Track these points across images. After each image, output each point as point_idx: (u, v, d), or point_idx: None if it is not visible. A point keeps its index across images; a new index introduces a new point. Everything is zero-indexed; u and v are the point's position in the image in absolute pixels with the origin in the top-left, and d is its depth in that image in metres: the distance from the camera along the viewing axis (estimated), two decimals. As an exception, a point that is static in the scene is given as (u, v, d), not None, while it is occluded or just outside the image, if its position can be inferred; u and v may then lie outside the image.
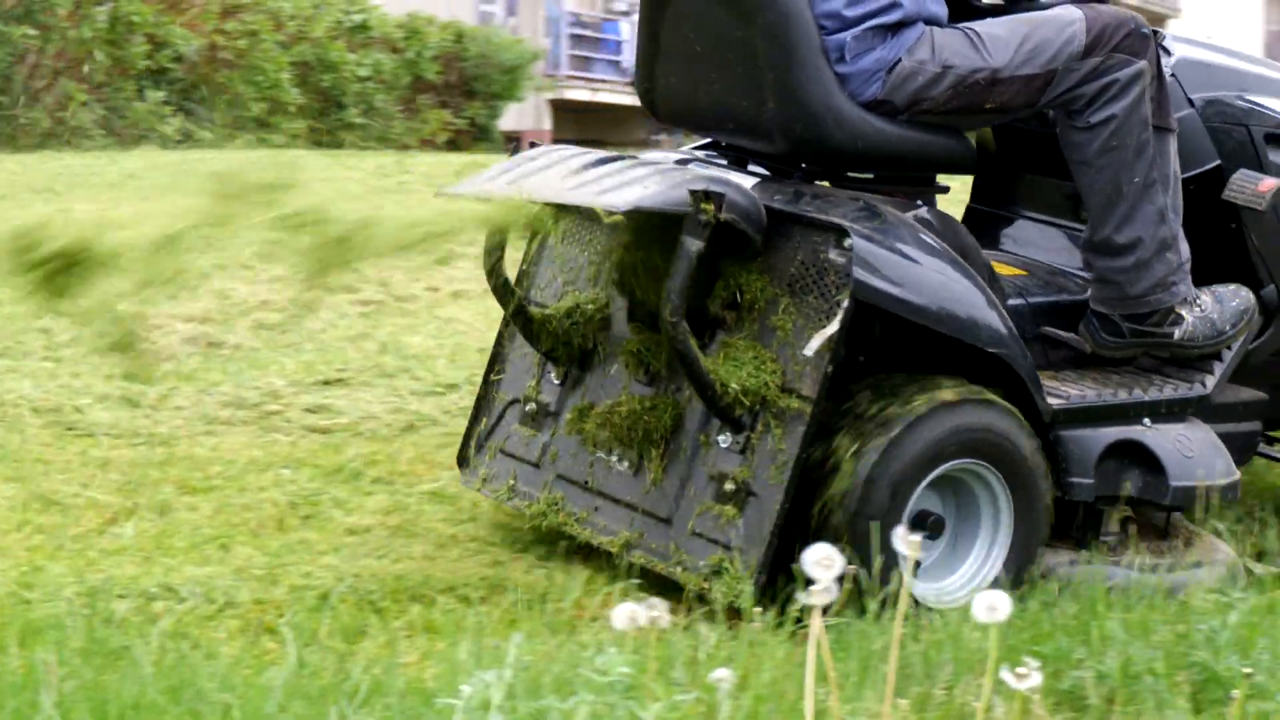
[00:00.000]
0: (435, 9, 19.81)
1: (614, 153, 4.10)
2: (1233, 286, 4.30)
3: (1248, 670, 2.94)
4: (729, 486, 3.72)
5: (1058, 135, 4.18)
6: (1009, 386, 3.83)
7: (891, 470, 3.64)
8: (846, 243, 3.60)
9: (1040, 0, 4.27)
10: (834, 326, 3.63)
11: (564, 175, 3.86)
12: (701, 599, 3.63)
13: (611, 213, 3.59)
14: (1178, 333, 4.20)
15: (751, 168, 4.19)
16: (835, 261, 3.66)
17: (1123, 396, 4.10)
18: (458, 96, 18.91)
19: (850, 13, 3.91)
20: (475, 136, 18.90)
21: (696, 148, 4.42)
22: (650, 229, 3.79)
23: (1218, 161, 4.34)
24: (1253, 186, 4.24)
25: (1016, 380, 3.84)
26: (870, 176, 4.08)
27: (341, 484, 4.63)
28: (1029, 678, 2.23)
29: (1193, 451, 4.09)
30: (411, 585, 3.88)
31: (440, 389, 5.55)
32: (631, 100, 29.33)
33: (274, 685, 2.90)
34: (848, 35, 3.91)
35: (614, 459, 3.99)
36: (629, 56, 30.26)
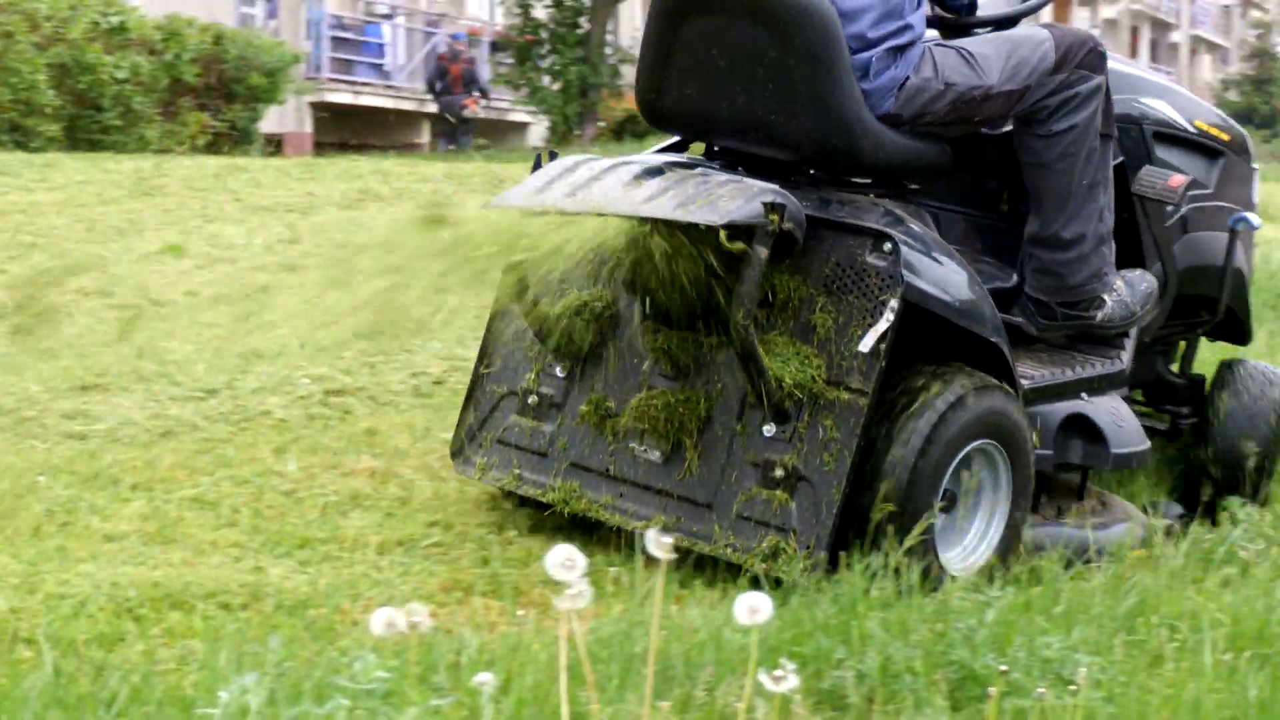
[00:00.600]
0: (195, 11, 19.52)
1: (630, 158, 4.31)
2: (1139, 271, 4.81)
3: (1004, 668, 3.03)
4: (778, 473, 4.00)
5: (1015, 140, 4.61)
6: (992, 370, 4.20)
7: (931, 454, 3.99)
8: (886, 246, 3.99)
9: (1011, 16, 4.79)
10: (885, 324, 3.96)
11: (624, 188, 4.04)
12: (757, 578, 3.82)
13: (710, 227, 3.82)
14: (1100, 315, 4.68)
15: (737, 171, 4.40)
16: (876, 265, 4.01)
17: (1068, 375, 4.61)
18: (217, 99, 18.64)
19: (873, 34, 4.24)
20: (235, 139, 18.65)
21: (663, 148, 4.74)
22: (684, 237, 3.97)
23: (1121, 158, 4.83)
24: (1163, 182, 4.85)
25: (1001, 364, 4.22)
26: (868, 181, 4.40)
27: (99, 490, 4.54)
28: (786, 680, 2.26)
29: (1123, 421, 4.63)
30: (170, 592, 3.82)
31: (200, 394, 5.47)
32: (395, 103, 29.25)
33: (30, 694, 2.84)
34: (871, 55, 4.25)
35: (641, 449, 4.22)
36: (391, 59, 30.07)
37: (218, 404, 5.38)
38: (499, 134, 29.30)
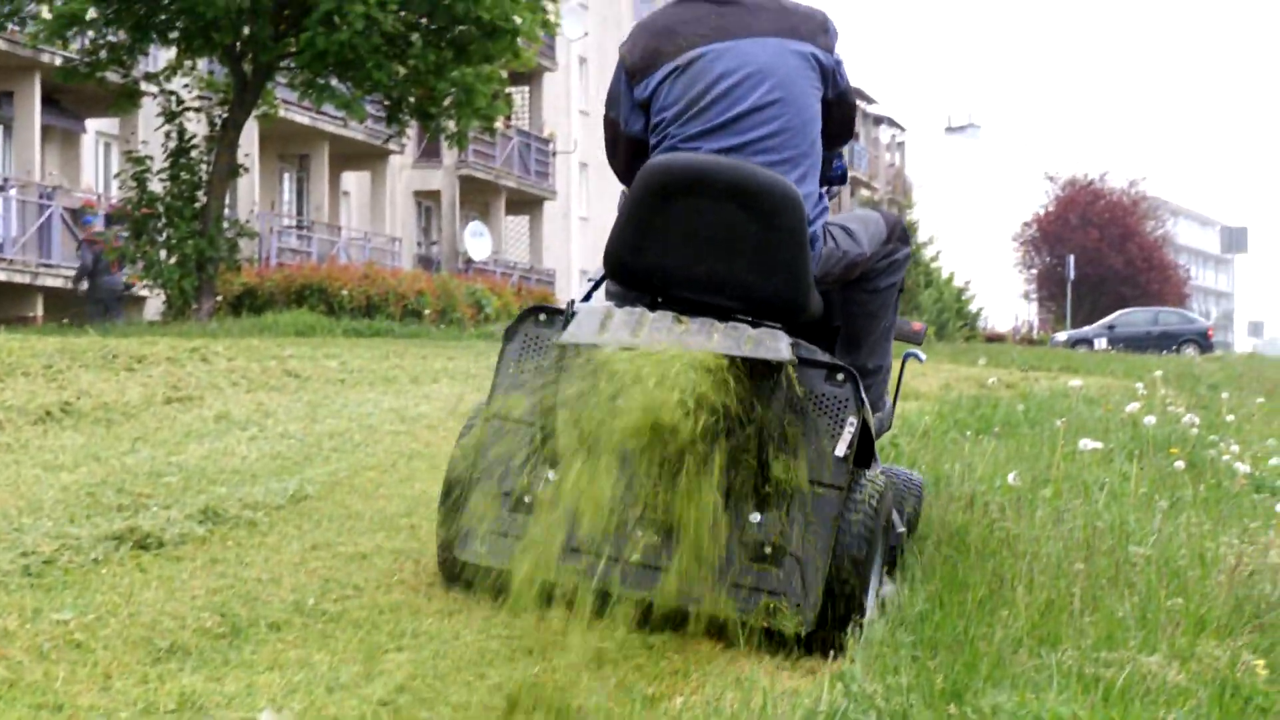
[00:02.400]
0: None
1: (633, 310, 5.12)
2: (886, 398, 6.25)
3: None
4: (767, 550, 5.03)
5: (845, 294, 5.85)
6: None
7: (878, 526, 5.15)
8: (840, 377, 5.16)
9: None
10: (850, 434, 5.09)
11: (670, 332, 4.98)
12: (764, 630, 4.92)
13: (779, 361, 4.98)
14: (879, 427, 5.94)
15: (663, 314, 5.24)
16: (835, 392, 5.15)
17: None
18: None
19: (812, 214, 5.43)
20: None
21: (593, 289, 5.81)
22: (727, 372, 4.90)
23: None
24: (908, 327, 6.42)
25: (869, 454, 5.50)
26: (780, 325, 5.30)
27: None
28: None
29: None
30: None
31: None
32: (6, 275, 28.43)
33: None
34: (814, 230, 5.46)
35: (638, 534, 5.05)
36: (3, 231, 29.24)
37: None
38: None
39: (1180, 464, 8.45)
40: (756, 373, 5.00)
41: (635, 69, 5.54)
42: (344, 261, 35.03)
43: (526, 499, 5.16)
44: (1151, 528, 6.43)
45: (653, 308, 5.28)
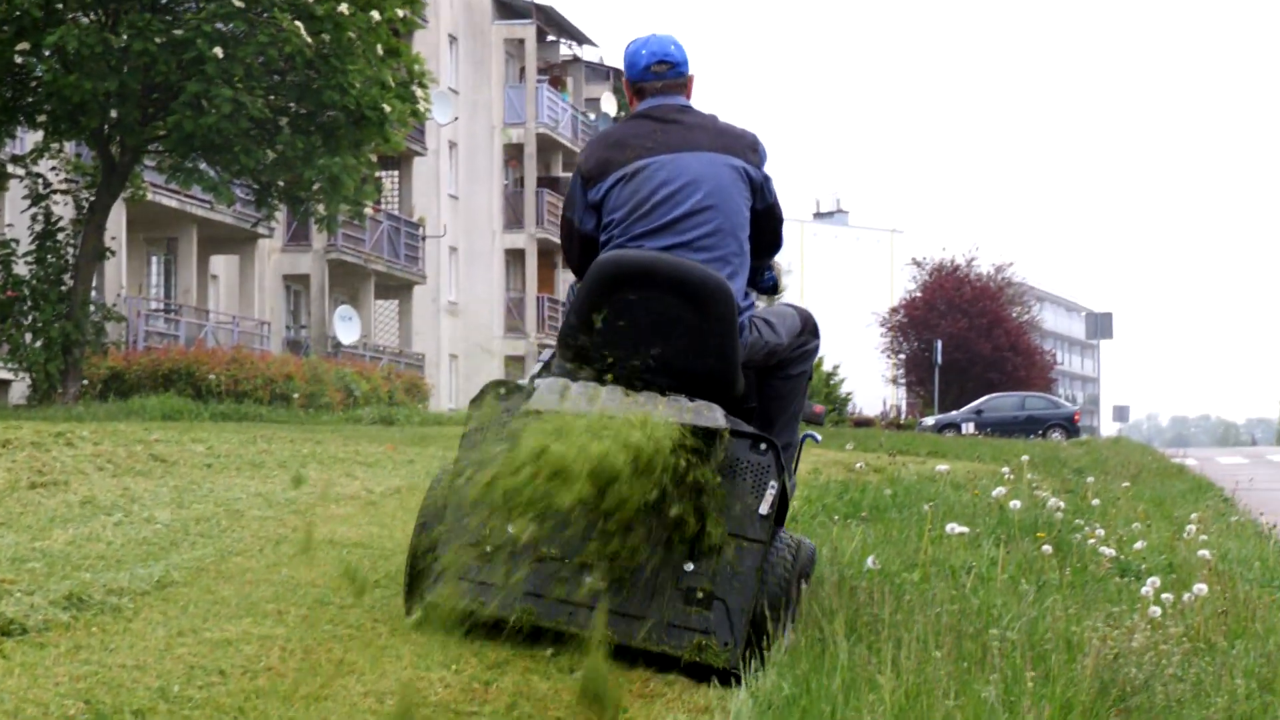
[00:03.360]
0: None
1: (586, 384, 6.00)
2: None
3: None
4: (699, 595, 5.74)
5: (762, 378, 6.63)
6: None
7: (793, 577, 6.01)
8: (763, 446, 5.92)
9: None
10: (772, 495, 5.85)
11: (623, 402, 5.87)
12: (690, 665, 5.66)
13: (717, 429, 5.85)
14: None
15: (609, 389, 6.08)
16: (759, 459, 5.90)
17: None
18: None
19: (744, 304, 6.32)
20: None
21: (544, 367, 6.43)
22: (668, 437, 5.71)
23: None
24: (811, 409, 7.05)
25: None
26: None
27: None
28: None
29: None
30: None
31: None
32: None
33: None
34: (744, 319, 6.29)
35: (586, 579, 5.76)
36: None
37: None
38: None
39: (1047, 548, 8.54)
40: (694, 440, 5.77)
41: (589, 175, 6.39)
42: (212, 345, 34.75)
43: (488, 548, 5.84)
44: (1018, 611, 6.49)
45: (600, 383, 6.02)
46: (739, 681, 5.48)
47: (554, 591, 5.82)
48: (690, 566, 5.76)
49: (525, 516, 5.61)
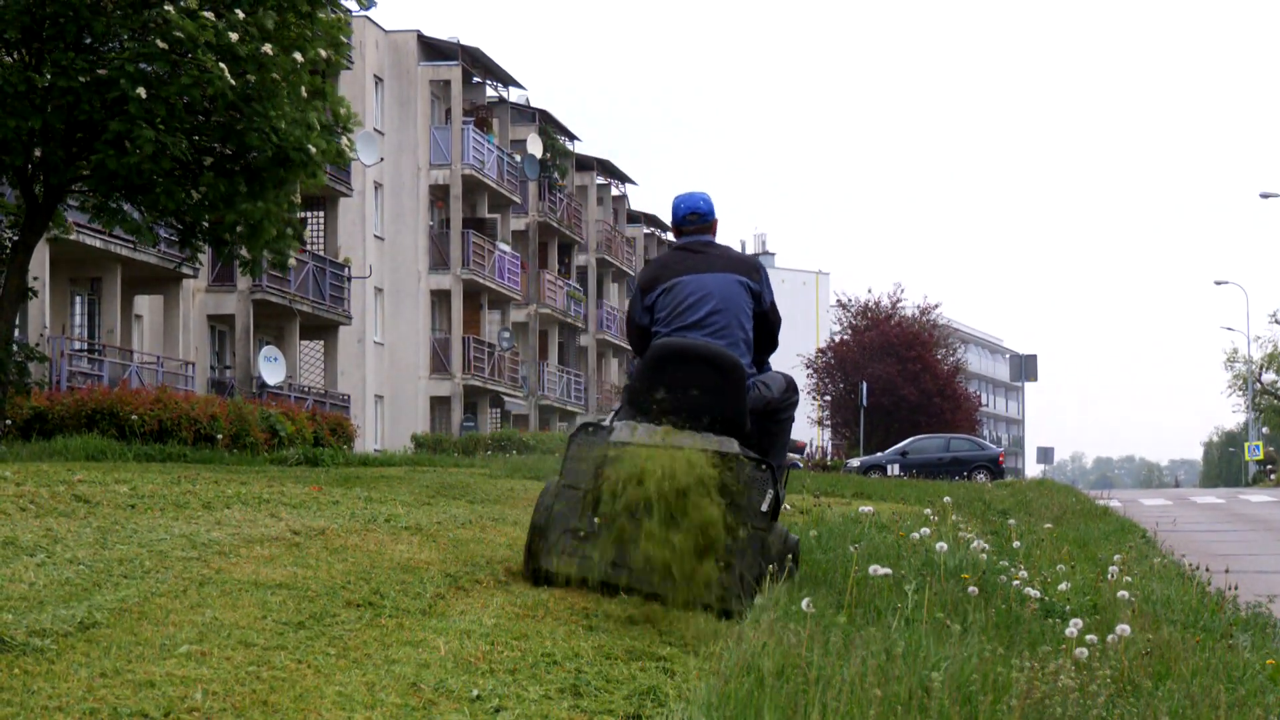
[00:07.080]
0: None
1: (635, 423, 9.08)
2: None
3: None
4: (724, 565, 8.52)
5: (759, 422, 9.38)
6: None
7: (784, 554, 8.97)
8: (764, 466, 8.91)
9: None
10: (770, 499, 8.84)
11: (683, 438, 8.87)
12: (726, 614, 8.40)
13: (734, 454, 8.93)
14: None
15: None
16: (761, 475, 8.88)
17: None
18: None
19: (749, 372, 9.35)
20: None
21: (615, 415, 9.42)
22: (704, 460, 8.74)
23: None
24: (794, 444, 9.93)
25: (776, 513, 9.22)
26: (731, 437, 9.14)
27: None
28: None
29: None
30: None
31: None
32: None
33: None
34: (752, 382, 9.40)
35: (644, 561, 8.47)
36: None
37: None
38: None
39: (973, 589, 8.58)
40: (722, 461, 8.71)
41: (645, 287, 9.59)
42: (136, 385, 34.45)
43: (582, 533, 8.85)
44: (945, 653, 6.51)
45: (657, 424, 8.92)
46: (741, 617, 7.94)
47: (631, 561, 8.57)
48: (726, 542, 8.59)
49: (616, 510, 8.48)
